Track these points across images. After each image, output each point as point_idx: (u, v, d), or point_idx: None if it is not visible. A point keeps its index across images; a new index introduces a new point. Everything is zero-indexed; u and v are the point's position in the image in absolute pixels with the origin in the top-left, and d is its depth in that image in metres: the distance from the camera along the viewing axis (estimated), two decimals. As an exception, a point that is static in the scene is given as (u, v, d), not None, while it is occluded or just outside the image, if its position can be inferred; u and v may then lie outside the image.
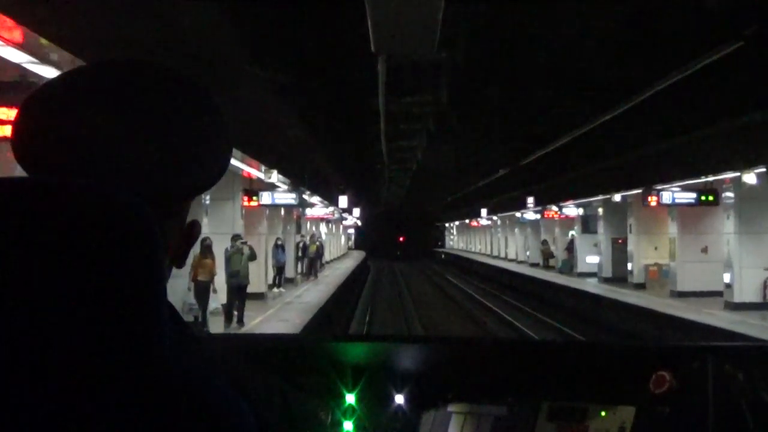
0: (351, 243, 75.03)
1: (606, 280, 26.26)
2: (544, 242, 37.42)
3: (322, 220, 34.20)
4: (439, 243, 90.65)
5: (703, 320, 15.46)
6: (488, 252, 55.75)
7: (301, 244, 27.87)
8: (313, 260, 28.05)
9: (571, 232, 32.84)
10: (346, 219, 50.00)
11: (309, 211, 28.28)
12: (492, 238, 54.84)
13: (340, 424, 1.71)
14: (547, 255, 36.95)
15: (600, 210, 27.24)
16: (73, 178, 0.72)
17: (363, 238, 79.32)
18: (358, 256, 59.41)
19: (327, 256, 40.47)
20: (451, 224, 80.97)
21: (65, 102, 0.79)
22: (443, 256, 72.71)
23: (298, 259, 28.05)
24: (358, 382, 1.75)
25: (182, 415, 0.66)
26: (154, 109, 0.80)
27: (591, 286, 25.39)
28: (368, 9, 5.09)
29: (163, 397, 0.66)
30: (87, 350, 0.63)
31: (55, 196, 0.66)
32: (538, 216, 36.68)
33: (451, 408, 1.81)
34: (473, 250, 65.16)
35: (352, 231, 73.24)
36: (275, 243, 22.00)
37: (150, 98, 0.81)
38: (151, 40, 7.45)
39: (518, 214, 37.45)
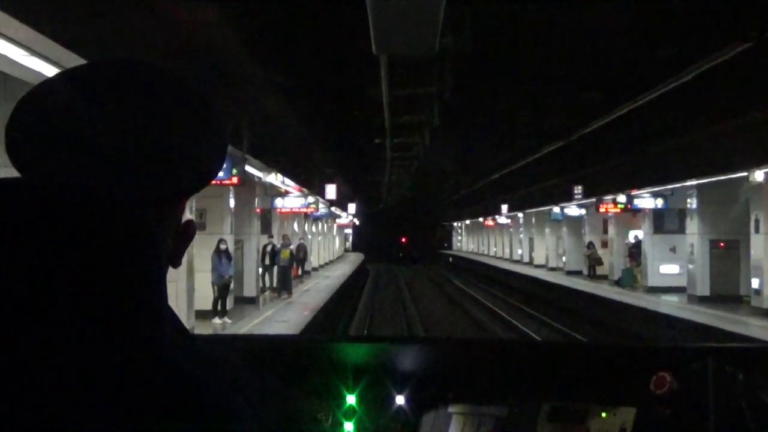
0: (348, 244, 72.79)
1: (701, 300, 20.22)
2: (590, 245, 31.61)
3: (305, 215, 25.20)
4: (446, 244, 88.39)
5: None
6: (506, 256, 51.01)
7: (269, 249, 22.20)
8: (285, 270, 22.42)
9: (634, 233, 27.12)
10: (340, 217, 41.35)
11: (279, 202, 19.31)
12: (512, 239, 49.82)
13: (340, 425, 1.80)
14: (595, 261, 31.09)
15: (690, 201, 21.13)
16: (67, 178, 0.77)
17: (361, 238, 77.25)
18: (355, 259, 55.67)
19: (315, 261, 36.54)
20: (460, 223, 78.04)
21: (59, 101, 0.85)
22: (451, 259, 69.40)
23: (265, 269, 22.45)
24: (359, 383, 1.84)
25: (181, 415, 0.71)
26: (148, 109, 0.85)
27: (683, 309, 19.16)
28: (369, 10, 5.18)
29: (162, 397, 0.70)
30: (87, 350, 0.67)
31: (53, 196, 0.70)
32: (582, 211, 31.82)
33: (451, 409, 1.88)
34: (487, 252, 61.15)
35: (349, 231, 70.62)
36: (216, 248, 16.32)
37: (144, 98, 0.86)
38: (151, 39, 8.12)
39: (556, 209, 29.66)
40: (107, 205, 0.70)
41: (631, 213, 26.32)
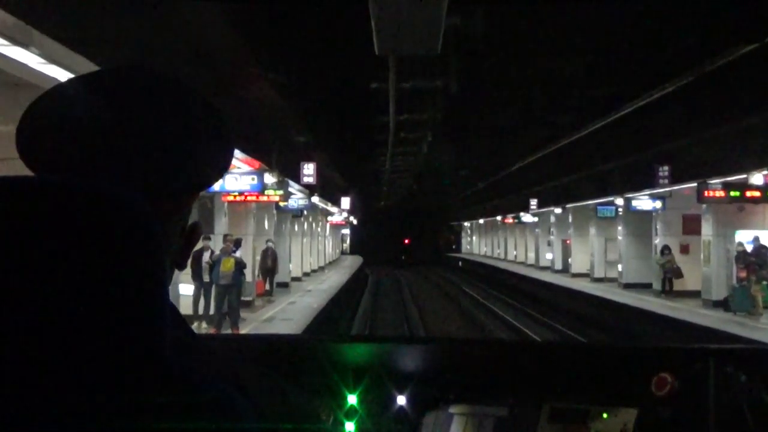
0: (346, 246, 67.41)
1: None
2: (666, 250, 24.26)
3: (277, 207, 17.25)
4: (454, 247, 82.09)
5: None
6: (530, 261, 43.93)
7: (207, 258, 15.76)
8: (229, 290, 15.28)
9: (747, 233, 19.70)
10: (332, 214, 34.40)
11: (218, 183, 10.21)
12: (538, 241, 42.64)
13: (341, 425, 1.89)
14: (672, 273, 23.76)
15: None
16: (76, 176, 0.84)
17: (360, 240, 70.43)
18: (352, 263, 49.91)
19: (297, 269, 29.99)
20: (471, 222, 73.70)
21: (70, 103, 0.92)
22: (461, 263, 62.49)
23: (200, 289, 16.12)
24: (360, 383, 1.90)
25: (182, 414, 0.73)
26: (154, 111, 0.92)
27: None
28: (371, 10, 5.02)
29: (163, 396, 0.73)
30: (88, 350, 0.70)
31: (57, 194, 0.74)
32: (656, 204, 24.10)
33: (452, 409, 1.95)
34: (504, 256, 54.15)
35: (347, 232, 64.41)
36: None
37: (150, 101, 0.94)
38: (155, 41, 8.51)
39: (621, 201, 23.36)
40: (109, 203, 0.73)
41: (738, 206, 18.47)
